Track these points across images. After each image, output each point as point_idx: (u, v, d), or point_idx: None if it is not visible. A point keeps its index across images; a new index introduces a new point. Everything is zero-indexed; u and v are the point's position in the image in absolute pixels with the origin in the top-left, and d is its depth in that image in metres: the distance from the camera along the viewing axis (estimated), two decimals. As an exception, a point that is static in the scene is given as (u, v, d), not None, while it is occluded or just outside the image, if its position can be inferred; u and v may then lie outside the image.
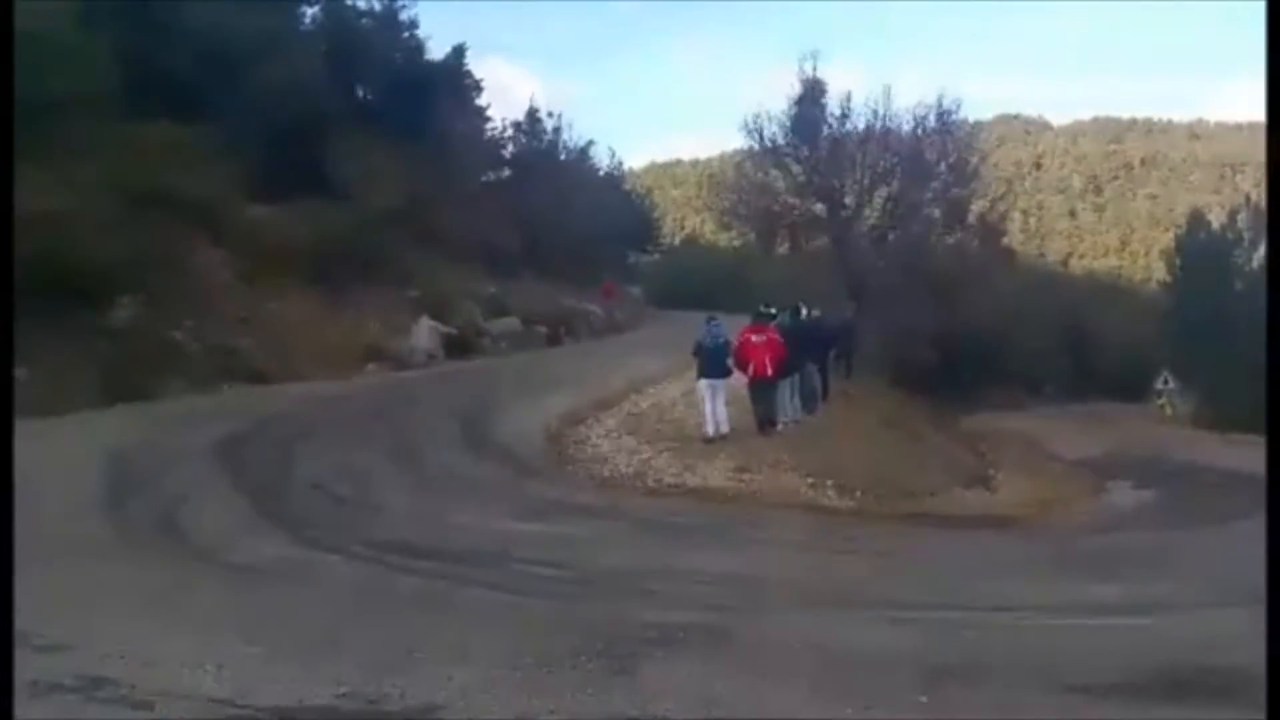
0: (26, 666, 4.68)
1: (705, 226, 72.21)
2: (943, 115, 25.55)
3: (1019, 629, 6.22)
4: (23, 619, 5.28)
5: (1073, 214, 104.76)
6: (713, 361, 13.40)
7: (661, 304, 41.90)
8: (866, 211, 26.55)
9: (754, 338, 13.65)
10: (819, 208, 26.53)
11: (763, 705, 4.53)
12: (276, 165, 23.97)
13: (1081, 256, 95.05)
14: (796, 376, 15.13)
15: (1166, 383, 26.86)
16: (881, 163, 25.83)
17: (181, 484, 9.90)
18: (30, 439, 11.83)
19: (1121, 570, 8.48)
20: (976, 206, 28.51)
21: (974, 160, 26.35)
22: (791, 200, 27.44)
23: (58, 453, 11.16)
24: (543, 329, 27.88)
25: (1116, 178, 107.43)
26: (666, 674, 4.87)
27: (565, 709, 4.40)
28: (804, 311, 17.11)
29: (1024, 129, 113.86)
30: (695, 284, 39.73)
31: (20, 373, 14.79)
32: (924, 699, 4.65)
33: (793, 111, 26.36)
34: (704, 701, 4.51)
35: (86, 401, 14.45)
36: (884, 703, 4.59)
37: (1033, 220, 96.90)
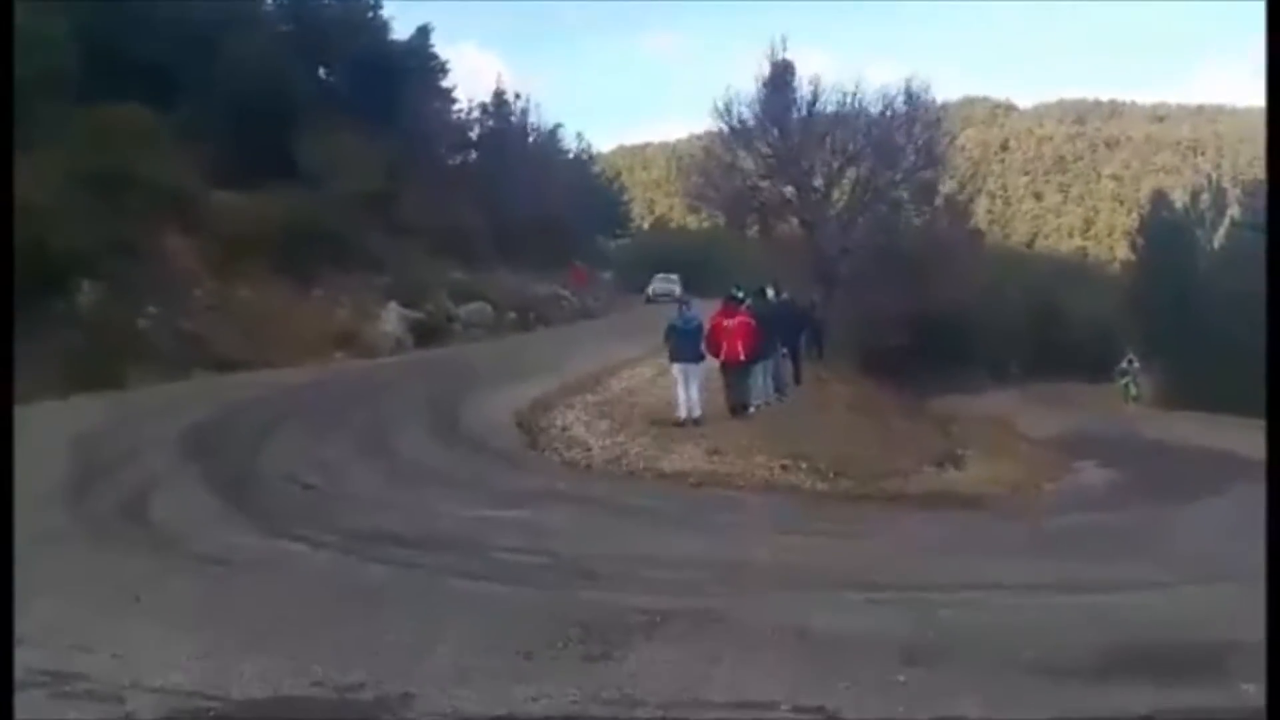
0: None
1: (675, 210, 72.18)
2: (911, 97, 25.66)
3: (990, 608, 6.27)
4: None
5: (1038, 196, 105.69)
6: (685, 345, 13.40)
7: (633, 288, 41.87)
8: (836, 194, 26.63)
9: (726, 321, 13.67)
10: (788, 190, 26.57)
11: (742, 689, 4.54)
12: (243, 150, 23.62)
13: (1047, 237, 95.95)
14: (769, 360, 15.22)
15: (1131, 362, 27.27)
16: (850, 145, 25.89)
17: (147, 474, 9.77)
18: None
19: (1089, 548, 8.61)
20: (944, 188, 28.74)
21: (943, 142, 26.50)
22: (761, 182, 27.46)
23: (19, 442, 10.96)
24: (513, 314, 27.79)
25: (1081, 159, 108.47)
26: (645, 659, 4.88)
27: (544, 696, 4.39)
28: (771, 294, 17.16)
29: (991, 111, 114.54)
30: (665, 268, 39.71)
31: (-21, 361, 14.55)
32: (901, 679, 4.68)
33: (762, 93, 26.37)
34: (684, 685, 4.52)
35: (50, 390, 14.19)
36: (862, 683, 4.62)
37: (999, 202, 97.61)
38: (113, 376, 15.77)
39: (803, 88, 26.41)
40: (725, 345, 13.54)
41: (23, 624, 5.15)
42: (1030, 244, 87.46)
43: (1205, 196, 45.26)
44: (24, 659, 4.72)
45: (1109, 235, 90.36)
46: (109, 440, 11.41)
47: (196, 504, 8.68)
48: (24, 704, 4.19)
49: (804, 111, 26.15)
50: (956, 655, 5.13)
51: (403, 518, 8.34)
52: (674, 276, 37.41)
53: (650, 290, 37.90)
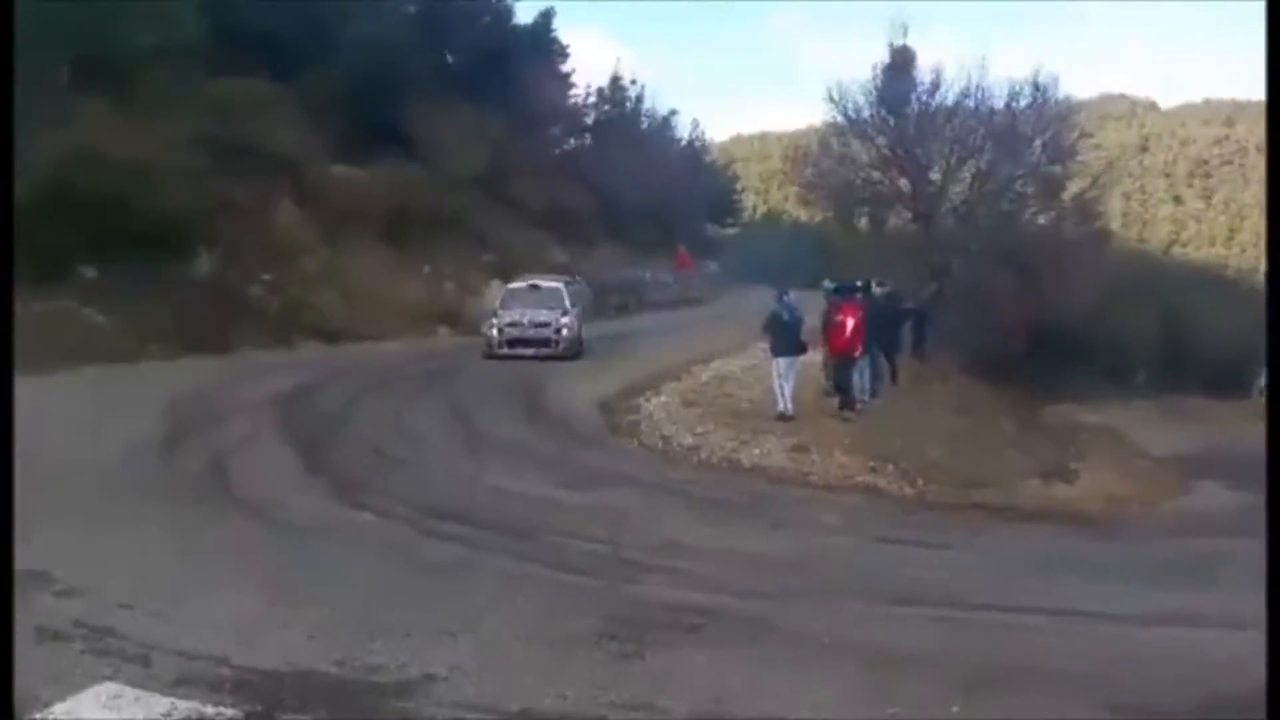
0: (38, 610, 4.67)
1: (789, 202, 70.88)
2: (1039, 88, 24.31)
3: (1071, 636, 5.72)
4: (48, 561, 5.33)
5: (1178, 199, 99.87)
6: (787, 337, 13.05)
7: (738, 278, 41.29)
8: (953, 187, 25.49)
9: (839, 315, 13.36)
10: (903, 182, 25.57)
11: (776, 705, 4.21)
12: (360, 126, 24.22)
13: (1185, 244, 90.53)
14: (866, 356, 14.76)
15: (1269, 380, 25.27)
16: (971, 136, 24.72)
17: (238, 436, 10.01)
18: (99, 384, 12.22)
19: (1200, 577, 7.84)
20: (1073, 186, 27.19)
21: (1071, 136, 25.02)
22: (874, 174, 26.51)
23: (122, 398, 11.43)
24: (615, 298, 27.70)
25: (1228, 163, 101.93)
26: (679, 663, 4.60)
27: (566, 693, 4.17)
28: (876, 289, 16.59)
29: (1130, 109, 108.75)
30: (773, 259, 38.96)
31: (100, 319, 15.26)
32: (955, 709, 4.26)
33: (879, 81, 25.42)
34: (714, 697, 4.22)
35: (161, 351, 14.80)
36: (910, 708, 4.23)
37: (1135, 204, 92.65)
38: (222, 341, 16.36)
39: (923, 76, 25.36)
40: (838, 339, 13.22)
41: (79, 576, 5.26)
42: (1167, 250, 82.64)
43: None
44: (69, 610, 4.79)
45: (1255, 245, 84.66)
46: (207, 401, 11.76)
47: (277, 468, 8.83)
48: (52, 655, 4.21)
49: (923, 101, 25.09)
50: (1024, 688, 4.65)
51: (471, 495, 8.30)
52: (552, 281, 21.65)
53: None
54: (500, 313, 17.75)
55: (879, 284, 17.17)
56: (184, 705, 3.75)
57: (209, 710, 3.73)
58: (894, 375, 16.22)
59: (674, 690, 4.24)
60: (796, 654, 4.84)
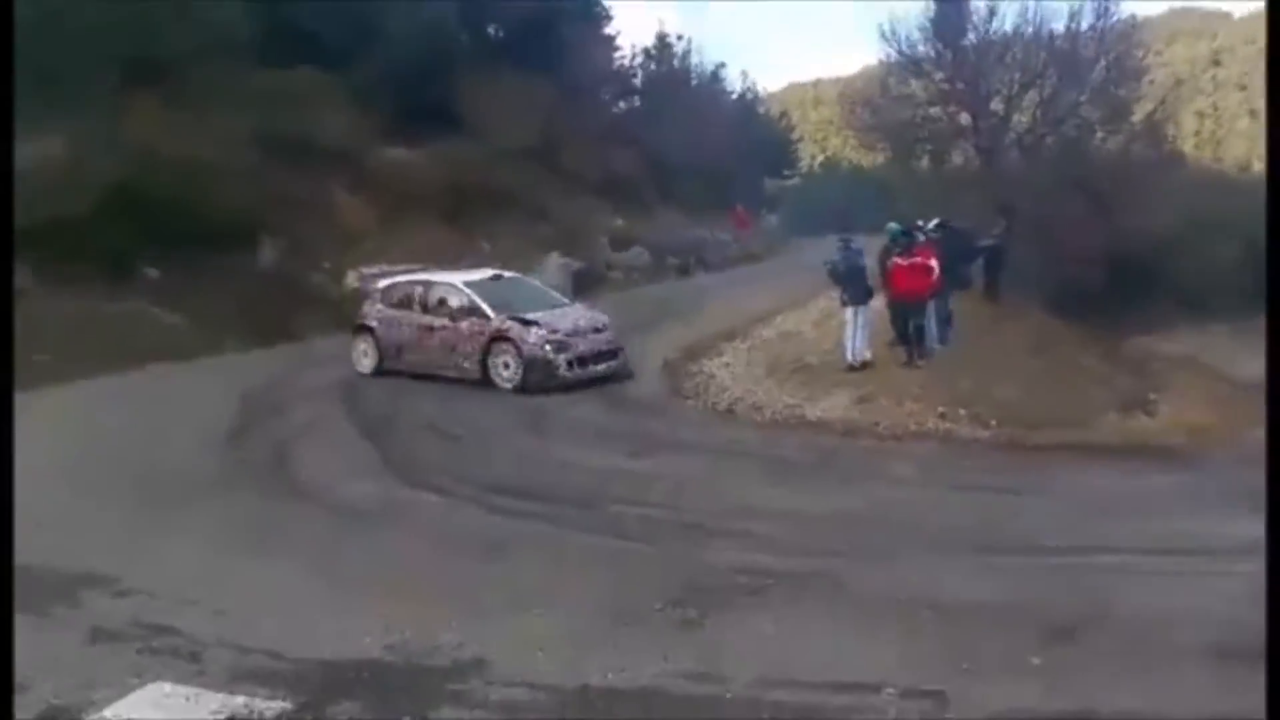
0: (97, 611, 4.79)
1: (848, 148, 69.27)
2: (1099, 8, 23.21)
3: (1162, 575, 5.51)
4: (108, 562, 5.49)
5: (1253, 114, 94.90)
6: (855, 285, 12.82)
7: (801, 231, 40.62)
8: (1017, 117, 24.58)
9: (904, 259, 12.99)
10: (963, 116, 24.72)
11: (845, 667, 4.12)
12: (410, 107, 24.32)
13: (1263, 159, 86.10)
14: (938, 300, 14.44)
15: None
16: (1032, 62, 23.75)
17: (307, 420, 10.24)
18: (175, 381, 12.61)
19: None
20: (1141, 108, 26.01)
21: (1137, 55, 23.88)
22: (933, 110, 25.67)
23: (198, 393, 11.77)
24: (673, 260, 27.52)
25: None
26: (742, 629, 4.53)
27: (625, 668, 4.12)
28: (937, 228, 16.08)
29: (1201, 20, 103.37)
30: (834, 208, 38.22)
31: (172, 318, 15.68)
32: (1036, 660, 4.11)
33: (933, 14, 24.54)
34: (779, 660, 4.15)
35: (232, 344, 15.17)
36: (988, 665, 4.09)
37: (1209, 122, 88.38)
38: (291, 329, 16.68)
39: (979, 3, 24.39)
40: (905, 283, 12.89)
41: (139, 575, 5.40)
42: (1245, 167, 78.76)
43: None
44: (117, 604, 4.92)
45: (1342, 152, 79.98)
46: (281, 390, 12.04)
47: (342, 451, 8.98)
48: (105, 655, 4.30)
49: (980, 30, 24.16)
50: (1110, 634, 4.48)
51: (534, 467, 8.31)
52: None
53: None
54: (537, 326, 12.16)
55: (944, 224, 16.67)
56: (233, 701, 3.80)
57: (258, 704, 3.78)
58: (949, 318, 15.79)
59: (735, 657, 4.18)
60: (864, 613, 4.74)
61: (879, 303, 13.43)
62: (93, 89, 16.20)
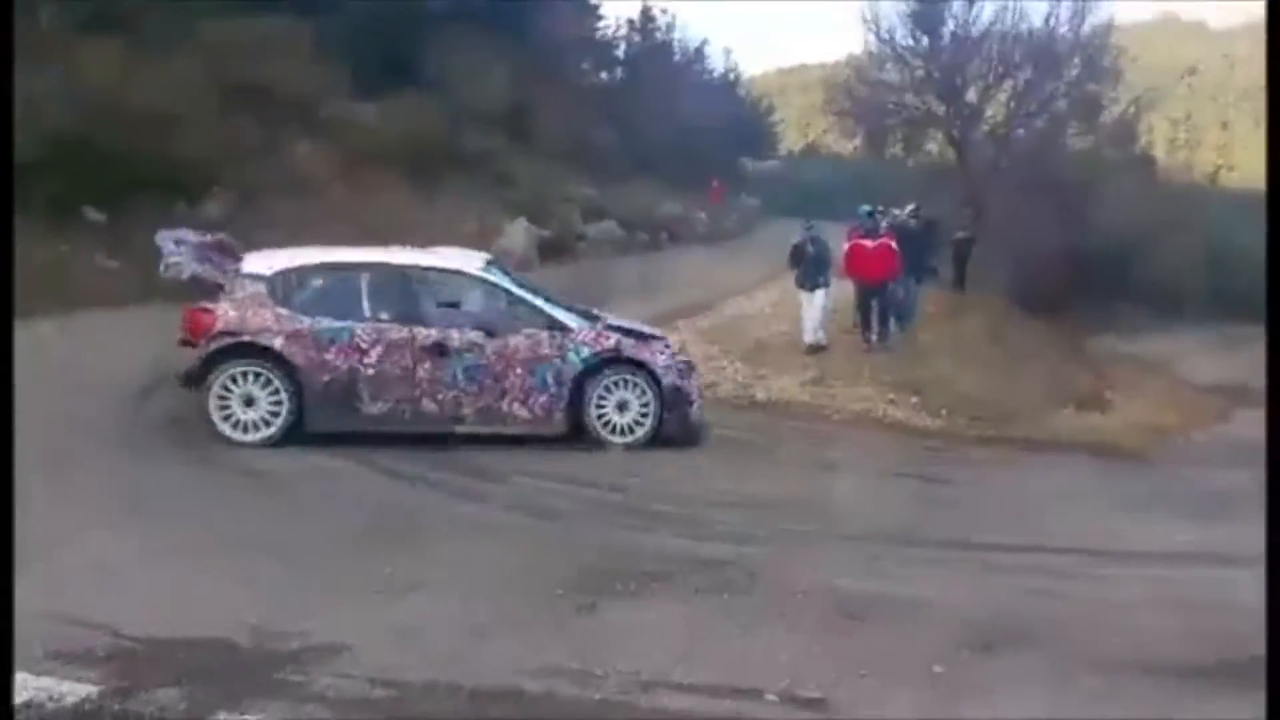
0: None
1: (829, 135, 68.97)
2: (1078, 4, 23.17)
3: (1087, 578, 5.31)
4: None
5: (1225, 125, 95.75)
6: (814, 268, 12.76)
7: (778, 213, 40.48)
8: (990, 109, 24.51)
9: (867, 242, 13.00)
10: (937, 105, 24.61)
11: (730, 667, 3.81)
12: (378, 61, 23.70)
13: (1233, 169, 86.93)
14: (900, 286, 14.45)
15: (1321, 304, 24.25)
16: (1009, 55, 23.69)
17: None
18: (97, 329, 12.06)
19: (1233, 510, 7.31)
20: (1114, 109, 26.04)
21: (1113, 55, 23.88)
22: (908, 97, 25.55)
23: (115, 343, 11.25)
24: (644, 233, 27.17)
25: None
26: (629, 622, 4.21)
27: (491, 660, 3.81)
28: (908, 216, 16.04)
29: (1178, 32, 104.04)
30: (813, 192, 37.99)
31: (111, 263, 15.13)
32: (939, 669, 3.85)
33: (914, 3, 24.38)
34: (663, 659, 3.80)
35: (161, 296, 14.60)
36: (885, 671, 3.82)
37: (1182, 130, 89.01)
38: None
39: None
40: (865, 265, 12.84)
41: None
42: (1214, 176, 79.43)
43: None
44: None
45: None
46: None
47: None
48: None
49: (959, 20, 24.03)
50: (1023, 639, 4.22)
51: (462, 439, 7.94)
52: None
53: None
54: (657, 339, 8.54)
55: (913, 212, 16.62)
56: (36, 683, 3.40)
57: (63, 687, 3.41)
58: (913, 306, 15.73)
59: (618, 653, 3.85)
60: (766, 607, 4.45)
61: (841, 290, 13.37)
62: (42, 27, 15.61)
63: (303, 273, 7.68)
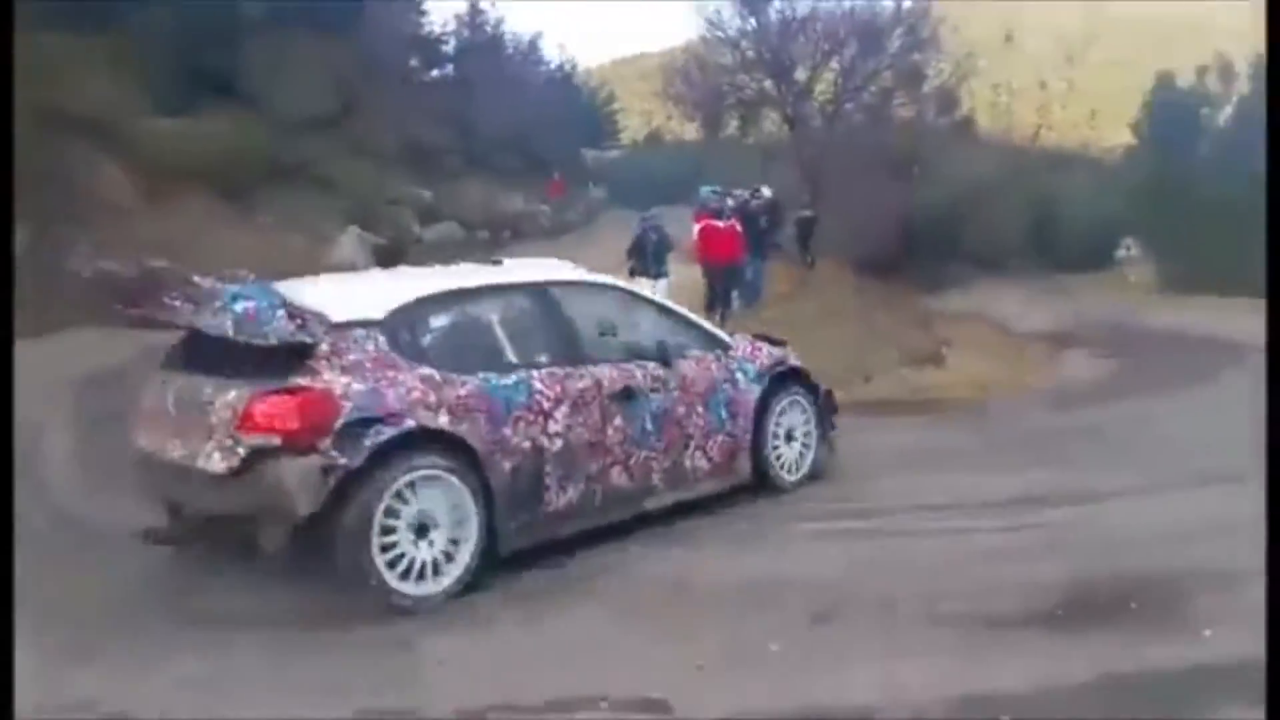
0: None
1: (673, 122, 69.52)
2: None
3: (927, 533, 5.31)
4: None
5: (1043, 85, 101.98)
6: (651, 258, 12.87)
7: (623, 202, 40.54)
8: (818, 86, 25.18)
9: (715, 223, 13.23)
10: (767, 84, 25.12)
11: (561, 672, 3.59)
12: (188, 74, 22.30)
13: (1050, 129, 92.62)
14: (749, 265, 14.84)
15: (1128, 249, 25.95)
16: (834, 31, 24.40)
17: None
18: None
19: (1068, 452, 7.53)
20: (935, 77, 27.17)
21: (929, 23, 24.88)
22: (741, 79, 26.02)
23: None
24: (484, 233, 26.68)
25: (1094, 42, 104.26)
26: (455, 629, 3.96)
27: (302, 685, 3.47)
28: (748, 196, 16.38)
29: (997, 3, 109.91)
30: (658, 180, 38.19)
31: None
32: (774, 647, 3.68)
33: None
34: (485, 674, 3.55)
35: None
36: (718, 659, 3.63)
37: (1003, 94, 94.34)
38: (42, 322, 14.88)
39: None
40: (715, 247, 13.06)
41: None
42: (1035, 136, 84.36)
43: (1211, 76, 43.16)
44: None
45: (1113, 125, 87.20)
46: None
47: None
48: None
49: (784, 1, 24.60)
50: (863, 606, 4.11)
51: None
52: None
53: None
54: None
55: (755, 193, 16.94)
56: None
57: None
58: (758, 284, 16.09)
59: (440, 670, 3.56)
60: (569, 595, 4.22)
61: (683, 275, 13.53)
62: None
63: (421, 308, 5.03)
